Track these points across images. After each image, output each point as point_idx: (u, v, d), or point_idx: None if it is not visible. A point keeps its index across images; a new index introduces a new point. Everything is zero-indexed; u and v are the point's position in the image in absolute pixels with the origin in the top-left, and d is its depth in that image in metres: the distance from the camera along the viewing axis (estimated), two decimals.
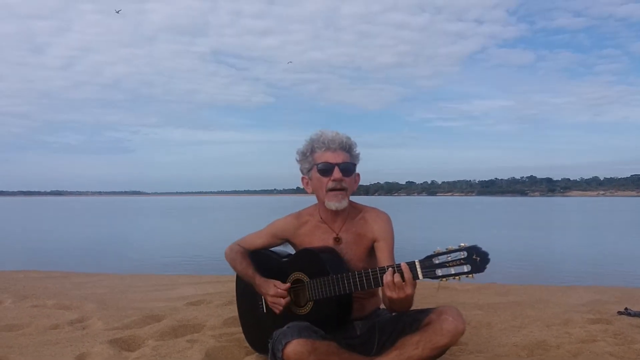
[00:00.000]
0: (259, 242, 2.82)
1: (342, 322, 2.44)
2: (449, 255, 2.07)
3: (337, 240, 2.58)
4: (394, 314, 2.48)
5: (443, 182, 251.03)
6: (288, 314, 2.53)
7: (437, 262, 2.09)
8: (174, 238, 20.43)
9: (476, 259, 2.02)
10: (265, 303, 2.70)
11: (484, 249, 2.04)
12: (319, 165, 2.51)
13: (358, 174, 2.63)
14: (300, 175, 2.69)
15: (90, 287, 7.09)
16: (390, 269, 2.19)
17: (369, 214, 2.64)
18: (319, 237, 2.62)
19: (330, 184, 2.50)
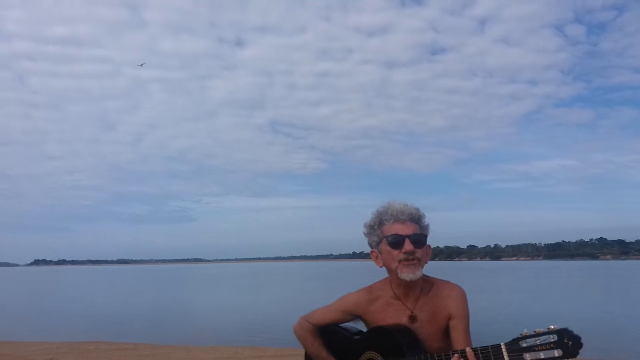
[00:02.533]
0: (328, 318, 2.66)
1: None
2: (537, 338, 1.93)
3: (413, 318, 2.44)
4: None
5: (507, 246, 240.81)
6: None
7: (524, 345, 1.94)
8: (234, 306, 20.50)
9: (568, 342, 1.88)
10: None
11: (575, 332, 1.89)
12: (389, 238, 2.40)
13: (429, 246, 2.51)
14: (370, 248, 2.56)
15: (160, 359, 7.20)
16: (455, 355, 2.07)
17: (443, 288, 2.49)
18: (392, 315, 2.47)
19: (402, 257, 2.37)
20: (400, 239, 2.36)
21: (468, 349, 2.02)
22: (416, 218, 2.41)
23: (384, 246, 2.42)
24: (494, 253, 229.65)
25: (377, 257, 2.49)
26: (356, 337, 2.63)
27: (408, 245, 2.34)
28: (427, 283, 2.49)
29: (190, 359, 7.26)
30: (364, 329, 2.67)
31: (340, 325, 2.70)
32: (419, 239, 2.39)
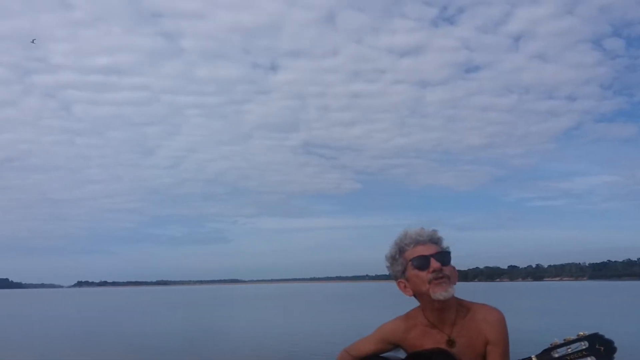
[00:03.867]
0: (368, 348, 2.62)
1: None
2: (568, 347, 1.87)
3: (451, 343, 2.39)
4: None
5: (549, 266, 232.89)
6: None
7: (556, 355, 1.89)
8: (275, 329, 20.55)
9: (600, 348, 1.83)
10: None
11: (607, 336, 1.84)
12: (414, 261, 2.34)
13: (454, 268, 2.46)
14: (395, 280, 2.51)
15: None
16: None
17: (479, 312, 2.40)
18: (430, 342, 2.43)
19: (431, 276, 2.31)
20: (426, 259, 2.33)
21: None
22: (436, 239, 2.39)
23: (410, 271, 2.38)
24: (536, 273, 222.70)
25: (405, 286, 2.45)
26: None
27: (435, 264, 2.31)
28: (463, 307, 2.44)
29: None
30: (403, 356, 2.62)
31: (382, 355, 2.68)
32: (444, 257, 2.36)
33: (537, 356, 1.95)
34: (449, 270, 2.34)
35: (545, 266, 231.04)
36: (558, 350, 1.91)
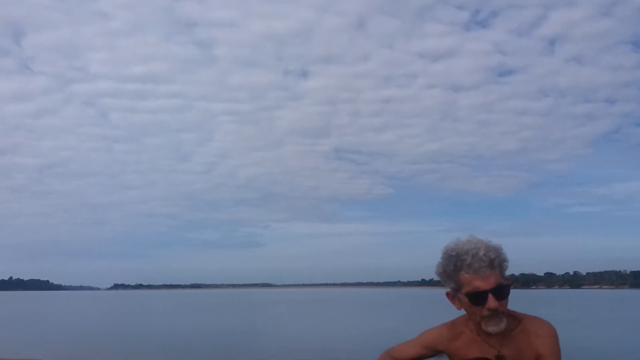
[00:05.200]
0: (410, 353, 2.55)
1: None
2: None
3: (499, 358, 2.31)
4: None
5: (588, 273, 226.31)
6: None
7: None
8: (310, 333, 20.64)
9: None
10: None
11: None
12: (469, 294, 2.18)
13: (509, 280, 2.35)
14: (446, 289, 2.36)
15: None
16: None
17: (531, 325, 2.32)
18: (477, 352, 2.35)
19: (485, 313, 2.17)
20: (483, 295, 2.17)
21: None
22: (496, 263, 2.18)
23: (464, 298, 2.24)
24: (574, 281, 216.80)
25: (453, 298, 2.32)
26: None
27: (492, 303, 2.15)
28: (514, 319, 2.34)
29: None
30: None
31: None
32: (503, 291, 2.20)
33: None
34: (504, 305, 2.21)
35: (584, 273, 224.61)
36: None
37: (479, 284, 2.16)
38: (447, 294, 2.35)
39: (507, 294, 2.25)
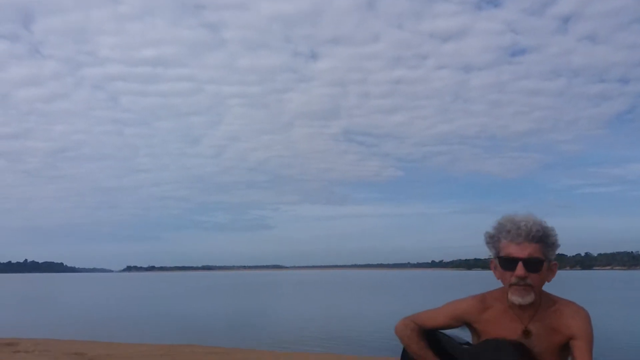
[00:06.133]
0: (436, 321, 2.55)
1: None
2: None
3: (527, 333, 2.31)
4: None
5: (599, 255, 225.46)
6: None
7: None
8: (317, 313, 20.67)
9: None
10: None
11: None
12: (502, 259, 2.26)
13: (555, 264, 2.33)
14: (491, 256, 2.44)
15: None
16: None
17: (566, 308, 2.36)
18: (505, 326, 2.35)
19: (513, 280, 2.24)
20: (513, 262, 2.23)
21: None
22: (537, 237, 2.24)
23: (497, 264, 2.30)
24: (585, 262, 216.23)
25: (495, 267, 2.36)
26: (464, 346, 2.52)
27: (520, 270, 2.21)
28: (548, 299, 2.38)
29: None
30: (469, 339, 2.54)
31: (445, 333, 2.59)
32: (535, 263, 2.24)
33: None
34: (535, 278, 2.25)
35: (595, 255, 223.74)
36: None
37: (512, 251, 2.21)
38: (491, 262, 2.38)
39: (540, 268, 2.24)
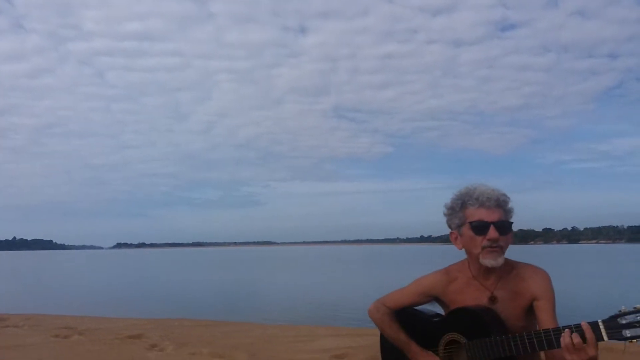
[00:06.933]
0: (405, 300, 2.62)
1: None
2: (637, 314, 1.87)
3: (493, 299, 2.39)
4: None
5: (585, 229, 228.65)
6: None
7: (623, 322, 1.90)
8: (307, 287, 20.90)
9: None
10: None
11: None
12: (473, 223, 2.34)
13: (511, 234, 2.45)
14: (449, 229, 2.51)
15: (239, 336, 7.52)
16: (567, 329, 2.00)
17: (526, 270, 2.45)
18: (471, 295, 2.44)
19: (486, 243, 2.31)
20: (485, 225, 2.32)
21: (583, 323, 1.97)
22: (502, 203, 2.35)
23: (467, 230, 2.38)
24: (572, 236, 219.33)
25: (456, 238, 2.45)
26: (435, 319, 2.60)
27: (493, 233, 2.30)
28: (508, 265, 2.44)
29: (267, 336, 7.53)
30: (441, 312, 2.63)
31: (417, 308, 2.66)
32: (504, 226, 2.33)
33: (603, 321, 1.95)
34: (504, 240, 2.33)
35: (581, 229, 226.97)
36: (627, 317, 1.90)
37: (483, 215, 2.32)
38: (451, 235, 2.47)
39: (509, 231, 2.37)
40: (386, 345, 2.76)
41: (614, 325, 1.92)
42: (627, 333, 1.88)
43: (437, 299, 2.58)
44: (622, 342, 1.90)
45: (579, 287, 18.69)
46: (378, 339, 2.90)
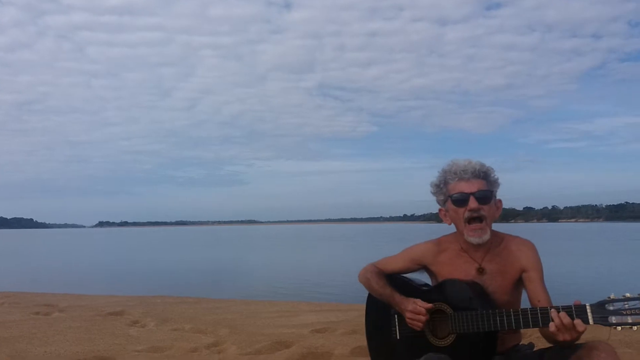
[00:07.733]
0: (396, 265, 2.71)
1: (485, 358, 2.37)
2: (626, 302, 1.94)
3: (480, 271, 2.46)
4: (535, 350, 2.40)
5: (565, 208, 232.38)
6: (425, 345, 2.44)
7: (611, 308, 1.97)
8: (290, 264, 21.06)
9: None
10: (399, 329, 2.57)
11: None
12: (453, 196, 2.43)
13: (499, 201, 2.50)
14: (438, 207, 2.61)
15: (221, 312, 7.54)
16: (554, 310, 2.06)
17: (513, 242, 2.51)
18: (460, 267, 2.51)
19: (467, 214, 2.39)
20: (465, 197, 2.38)
21: (575, 302, 2.03)
22: (481, 174, 2.41)
23: (450, 205, 2.46)
24: (552, 215, 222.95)
25: (444, 214, 2.54)
26: (424, 288, 2.67)
27: (473, 203, 2.36)
28: (496, 237, 2.51)
29: (250, 312, 7.56)
30: (429, 282, 2.72)
31: (406, 277, 2.75)
32: (485, 195, 2.39)
33: (590, 305, 2.01)
34: (487, 210, 2.41)
35: (561, 208, 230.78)
36: (614, 304, 1.96)
37: (462, 187, 2.40)
38: (440, 211, 2.57)
39: (489, 199, 2.43)
40: (371, 314, 2.81)
41: (601, 311, 1.99)
42: (613, 319, 1.95)
43: (426, 268, 2.67)
44: (607, 327, 1.95)
45: (566, 268, 19.06)
46: (358, 313, 2.93)
